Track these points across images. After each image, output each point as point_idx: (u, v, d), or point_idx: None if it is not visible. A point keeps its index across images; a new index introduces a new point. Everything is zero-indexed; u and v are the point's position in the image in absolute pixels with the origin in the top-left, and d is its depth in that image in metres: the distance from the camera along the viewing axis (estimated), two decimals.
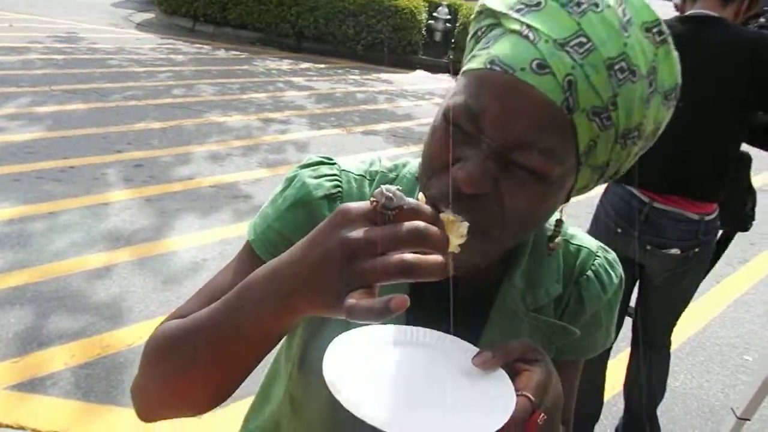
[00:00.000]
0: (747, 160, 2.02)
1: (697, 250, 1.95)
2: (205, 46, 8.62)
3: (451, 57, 9.26)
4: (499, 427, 0.49)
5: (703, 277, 2.09)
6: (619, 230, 2.02)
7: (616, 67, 0.53)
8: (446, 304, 0.64)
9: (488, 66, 0.55)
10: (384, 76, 8.51)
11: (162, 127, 5.18)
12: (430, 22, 9.49)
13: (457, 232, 0.52)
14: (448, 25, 9.44)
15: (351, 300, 0.44)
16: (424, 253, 0.45)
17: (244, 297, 0.53)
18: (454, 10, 9.51)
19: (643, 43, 0.54)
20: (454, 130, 0.56)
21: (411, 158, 0.74)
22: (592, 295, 0.71)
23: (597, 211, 2.13)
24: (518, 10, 0.55)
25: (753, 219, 2.13)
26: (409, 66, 9.20)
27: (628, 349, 2.29)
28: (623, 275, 0.75)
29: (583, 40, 0.53)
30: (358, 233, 0.46)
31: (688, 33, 1.82)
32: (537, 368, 0.55)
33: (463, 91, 0.56)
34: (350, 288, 0.45)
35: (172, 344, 0.59)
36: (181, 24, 9.58)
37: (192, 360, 0.56)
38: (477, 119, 0.54)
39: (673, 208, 1.91)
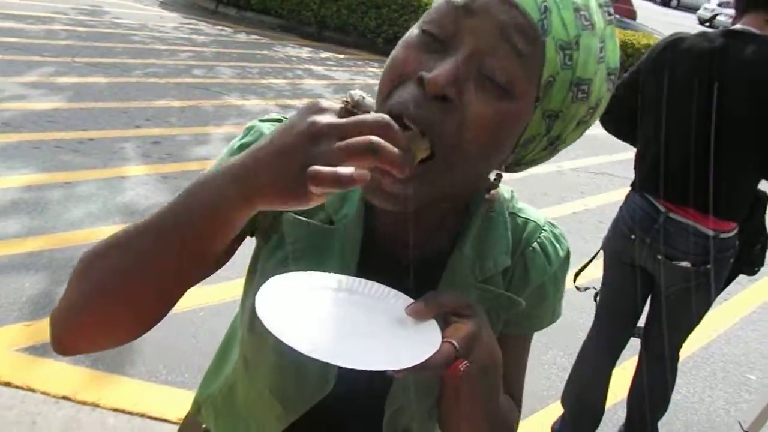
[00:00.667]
0: (763, 200, 1.98)
1: (708, 266, 1.92)
2: (226, 29, 8.63)
3: None
4: (418, 362, 0.51)
5: (715, 297, 2.05)
6: (633, 237, 2.01)
7: (581, 13, 0.58)
8: (396, 268, 0.67)
9: None
10: None
11: (181, 106, 5.20)
12: None
13: (420, 145, 0.54)
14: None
15: (314, 167, 0.45)
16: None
17: (202, 183, 0.53)
18: None
19: (598, 13, 0.60)
20: (428, 41, 0.58)
21: None
22: (537, 266, 0.72)
23: (617, 217, 2.13)
24: None
25: (762, 264, 2.06)
26: None
27: (635, 358, 2.29)
28: (570, 249, 0.76)
29: None
30: (327, 118, 0.48)
31: (724, 46, 1.82)
32: (468, 322, 0.57)
33: (443, 2, 0.59)
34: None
35: (112, 245, 0.58)
36: (204, 5, 9.61)
37: (134, 258, 0.55)
38: (459, 27, 0.56)
39: (688, 220, 1.90)
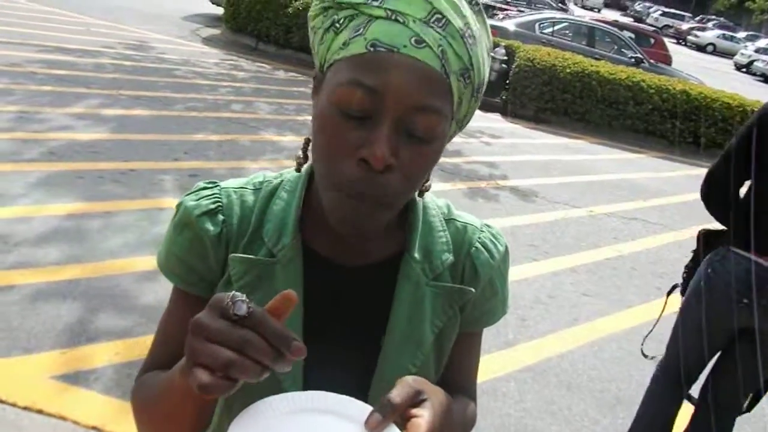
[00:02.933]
0: None
1: None
2: (265, 66, 8.89)
3: (504, 97, 9.30)
4: None
5: None
6: (745, 301, 1.89)
7: (466, 35, 0.64)
8: (345, 276, 0.76)
9: (371, 49, 0.61)
10: None
11: (219, 140, 5.34)
12: None
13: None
14: (504, 66, 9.51)
15: (196, 375, 0.52)
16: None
17: (174, 370, 0.63)
18: (511, 51, 9.58)
19: (473, 18, 0.66)
20: (348, 117, 0.62)
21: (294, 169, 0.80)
22: (483, 262, 0.81)
23: (708, 280, 2.00)
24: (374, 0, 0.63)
25: None
26: None
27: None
28: (507, 245, 0.85)
29: (439, 17, 0.63)
30: (205, 317, 0.54)
31: None
32: (425, 411, 0.60)
33: (350, 77, 0.62)
34: (195, 364, 0.53)
35: (143, 411, 0.74)
36: (245, 42, 9.93)
37: (159, 421, 0.70)
38: (377, 94, 0.61)
39: None
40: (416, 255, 0.77)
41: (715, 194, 2.00)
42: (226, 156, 5.00)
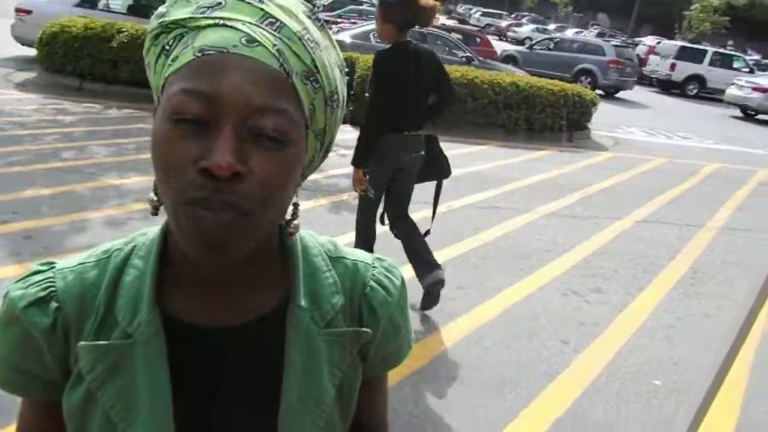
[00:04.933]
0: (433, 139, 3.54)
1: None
2: (95, 105, 8.23)
3: (351, 108, 9.45)
4: None
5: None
6: (401, 153, 3.35)
7: (305, 38, 0.61)
8: (222, 339, 0.67)
9: (199, 54, 0.57)
10: None
11: (52, 193, 4.83)
12: None
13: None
14: (347, 77, 9.68)
15: None
16: None
17: None
18: (351, 63, 9.77)
19: (313, 27, 0.64)
20: (185, 127, 0.56)
21: (147, 229, 0.72)
22: (381, 302, 0.74)
23: (384, 147, 3.27)
24: (202, 12, 0.60)
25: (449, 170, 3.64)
26: None
27: None
28: (403, 276, 0.79)
29: (272, 20, 0.60)
30: None
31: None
32: None
33: (180, 86, 0.57)
34: None
35: None
36: (66, 83, 9.12)
37: None
38: (212, 99, 0.55)
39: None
40: (302, 302, 0.68)
41: (377, 121, 3.26)
42: (64, 209, 4.54)
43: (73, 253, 3.66)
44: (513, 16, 46.65)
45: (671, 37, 30.67)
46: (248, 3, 0.60)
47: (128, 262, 0.67)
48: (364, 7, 22.86)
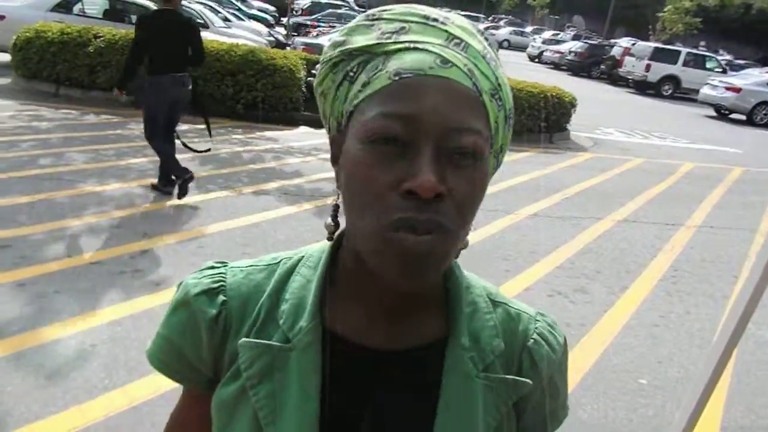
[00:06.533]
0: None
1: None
2: (72, 111, 8.09)
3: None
4: None
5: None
6: (172, 92, 4.92)
7: (488, 56, 0.62)
8: (373, 362, 0.66)
9: (396, 78, 0.57)
10: (268, 134, 8.45)
11: (30, 201, 4.74)
12: (309, 79, 9.64)
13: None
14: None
15: None
16: None
17: None
18: None
19: (488, 45, 0.64)
20: (385, 149, 0.56)
21: (313, 244, 0.74)
22: (543, 356, 0.71)
23: (157, 84, 4.79)
24: (387, 38, 0.60)
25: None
26: (292, 123, 9.22)
27: None
28: (565, 336, 0.75)
29: (458, 41, 0.60)
30: None
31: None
32: None
33: (378, 111, 0.57)
34: None
35: None
36: (42, 89, 8.96)
37: None
38: (411, 121, 0.56)
39: None
40: (464, 341, 0.66)
41: (132, 65, 4.94)
42: (43, 218, 4.45)
43: (54, 262, 3.58)
44: (490, 18, 47.03)
45: (645, 39, 31.15)
46: (432, 26, 0.61)
47: (295, 269, 0.69)
48: (343, 11, 22.86)
